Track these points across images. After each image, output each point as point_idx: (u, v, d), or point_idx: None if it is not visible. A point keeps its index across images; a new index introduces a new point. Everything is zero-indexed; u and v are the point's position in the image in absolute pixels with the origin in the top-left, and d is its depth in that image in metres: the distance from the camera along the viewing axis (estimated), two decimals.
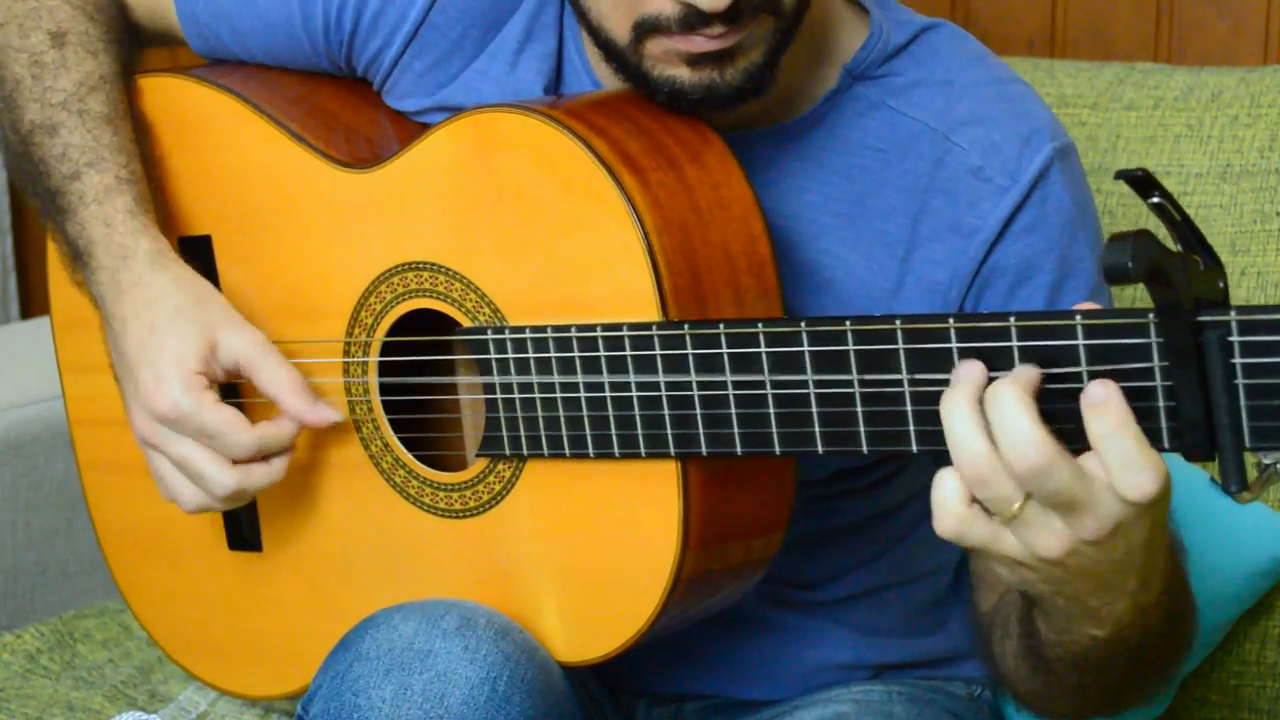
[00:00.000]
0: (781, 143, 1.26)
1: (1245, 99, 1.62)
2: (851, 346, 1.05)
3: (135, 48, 1.41)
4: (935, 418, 1.02)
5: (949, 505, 0.99)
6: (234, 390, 1.34)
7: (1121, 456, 0.95)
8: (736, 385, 1.10)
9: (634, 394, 1.14)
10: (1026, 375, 0.99)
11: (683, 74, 1.17)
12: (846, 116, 1.26)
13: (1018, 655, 1.18)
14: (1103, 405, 0.95)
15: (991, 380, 0.99)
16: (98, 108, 1.33)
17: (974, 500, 0.99)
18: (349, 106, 1.35)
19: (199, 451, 1.26)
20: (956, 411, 0.98)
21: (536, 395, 1.18)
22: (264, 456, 1.26)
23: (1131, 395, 0.97)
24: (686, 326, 1.11)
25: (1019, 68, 1.71)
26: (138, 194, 1.31)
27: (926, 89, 1.26)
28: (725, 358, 1.10)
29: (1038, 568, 1.01)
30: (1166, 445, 0.98)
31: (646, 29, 1.15)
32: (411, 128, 1.33)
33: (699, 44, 1.14)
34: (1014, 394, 0.96)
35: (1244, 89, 1.62)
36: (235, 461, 1.25)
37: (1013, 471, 0.96)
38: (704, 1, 1.11)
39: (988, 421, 0.97)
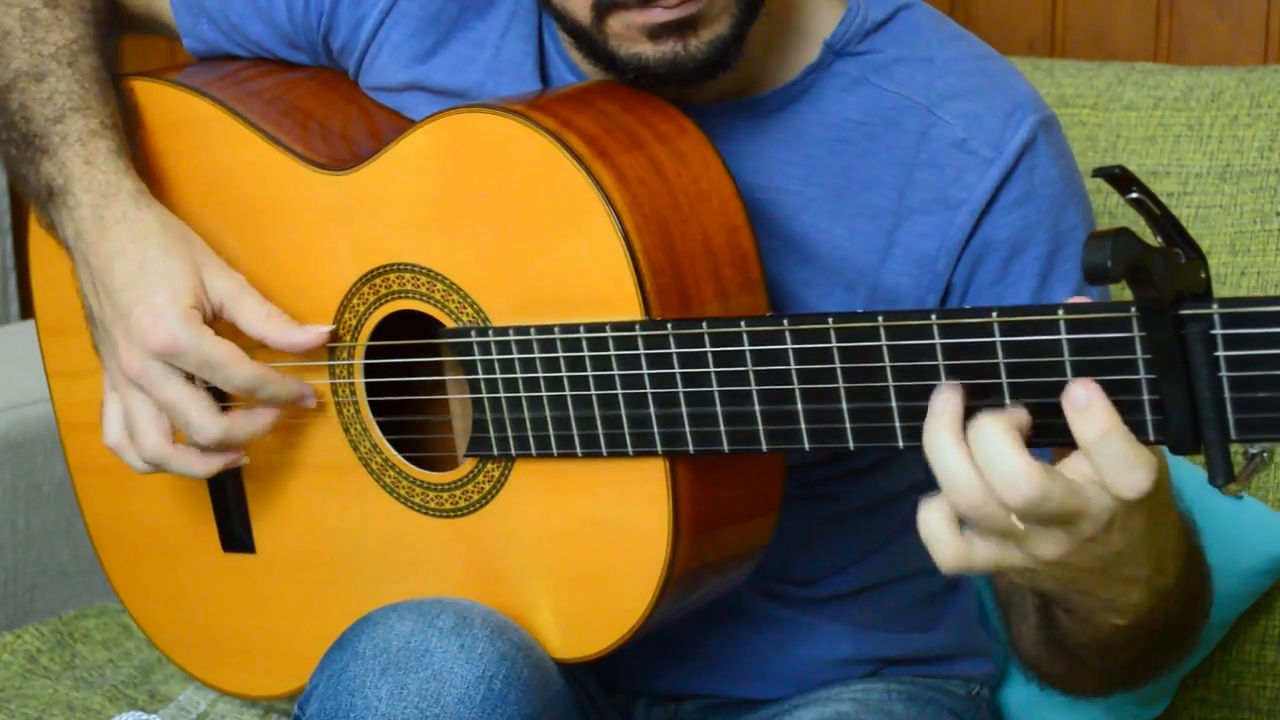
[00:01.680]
0: (763, 115, 1.27)
1: (1245, 99, 1.61)
2: (835, 344, 1.05)
3: (117, 32, 1.42)
4: (920, 413, 1.02)
5: (941, 539, 1.00)
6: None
7: (1114, 458, 0.95)
8: (721, 383, 1.10)
9: (619, 393, 1.14)
10: (1014, 413, 0.99)
11: (646, 49, 1.17)
12: (828, 92, 1.27)
13: (1039, 642, 1.18)
14: (1087, 408, 0.95)
15: (970, 409, 0.99)
16: (88, 65, 1.34)
17: (960, 524, 0.99)
18: (325, 105, 1.36)
19: (189, 395, 1.26)
20: (940, 445, 0.98)
21: (522, 395, 1.18)
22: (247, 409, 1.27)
23: (1115, 389, 0.97)
24: (670, 326, 1.11)
25: (1019, 68, 1.71)
26: (121, 142, 1.32)
27: (908, 65, 1.26)
28: (709, 356, 1.10)
29: (1042, 570, 1.01)
30: (1151, 438, 0.97)
31: (606, 6, 1.16)
32: (388, 126, 1.33)
33: (658, 15, 1.15)
34: (996, 427, 0.96)
35: (1244, 89, 1.62)
36: (224, 409, 1.26)
37: (1007, 505, 0.96)
38: None
39: (972, 454, 0.97)
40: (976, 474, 0.97)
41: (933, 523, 0.99)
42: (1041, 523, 0.97)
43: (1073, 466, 0.98)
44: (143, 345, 1.25)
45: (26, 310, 2.41)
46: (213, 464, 1.29)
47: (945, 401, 0.99)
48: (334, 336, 1.29)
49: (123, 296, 1.27)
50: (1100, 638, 1.11)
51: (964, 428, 0.99)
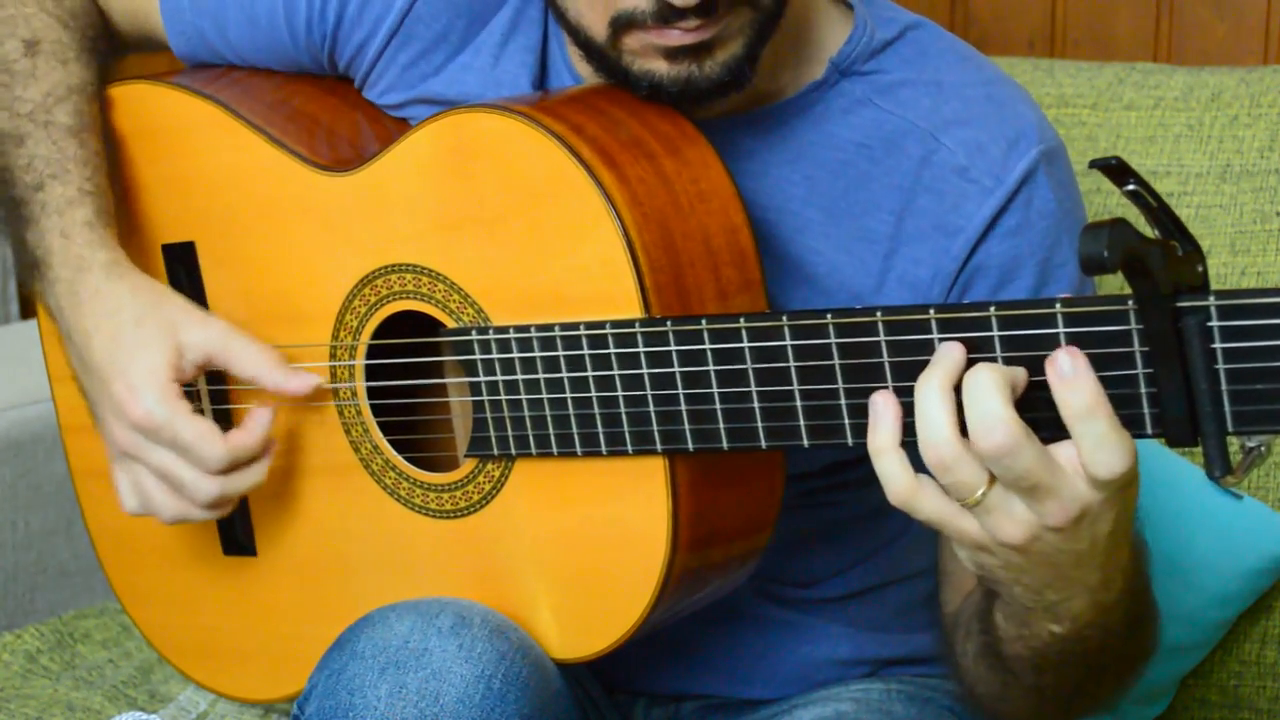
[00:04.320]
0: (765, 131, 1.26)
1: (1245, 99, 1.61)
2: (833, 339, 1.05)
3: (112, 54, 1.42)
4: None
5: (895, 475, 1.01)
6: (221, 385, 1.35)
7: (1096, 436, 0.96)
8: (720, 380, 1.10)
9: (619, 392, 1.14)
10: (1011, 369, 0.99)
11: (661, 68, 1.17)
12: (833, 112, 1.26)
13: (976, 654, 1.18)
14: (1073, 379, 0.95)
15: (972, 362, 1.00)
16: (64, 119, 1.33)
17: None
18: (329, 109, 1.36)
19: (178, 460, 1.26)
20: (930, 394, 0.99)
21: (522, 395, 1.18)
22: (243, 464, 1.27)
23: (1113, 382, 0.97)
24: (669, 323, 1.12)
25: (1019, 68, 1.71)
26: (99, 207, 1.32)
27: (914, 88, 1.26)
28: (708, 353, 1.10)
29: (998, 553, 1.02)
30: (1149, 431, 0.98)
31: (623, 24, 1.16)
32: (392, 128, 1.33)
33: (674, 37, 1.15)
34: (992, 376, 0.97)
35: (1244, 89, 1.62)
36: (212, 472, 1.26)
37: (979, 449, 0.97)
38: None
39: (961, 400, 0.97)
40: (955, 433, 0.98)
41: (890, 459, 1.01)
42: (1009, 485, 0.98)
43: (1057, 448, 0.98)
44: (122, 419, 1.27)
45: (26, 310, 2.41)
46: (232, 500, 1.28)
47: (947, 353, 1.00)
48: (332, 346, 1.29)
49: (103, 372, 1.28)
50: (1036, 646, 1.10)
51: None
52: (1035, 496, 0.98)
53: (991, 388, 0.96)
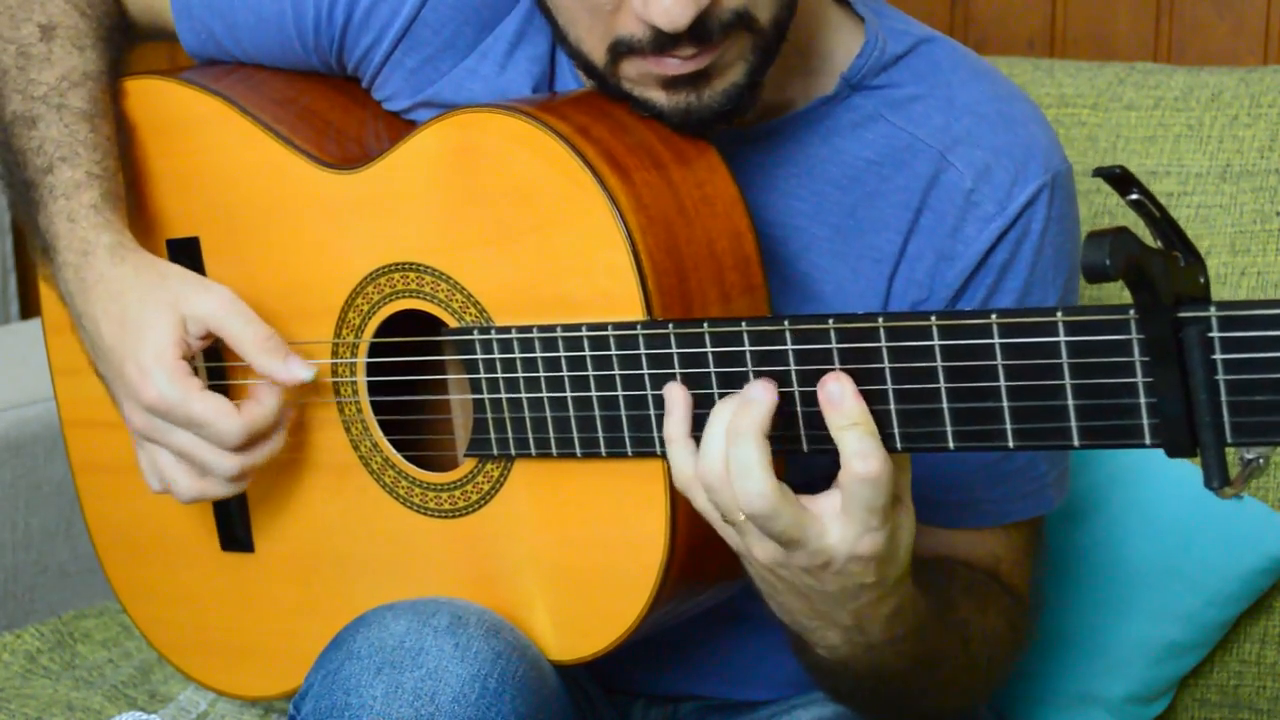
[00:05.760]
0: (773, 146, 1.26)
1: (1245, 99, 1.61)
2: (835, 345, 1.05)
3: (126, 45, 1.42)
4: (919, 416, 1.03)
5: (679, 465, 1.09)
6: (220, 364, 1.35)
7: (854, 445, 1.03)
8: (721, 384, 1.10)
9: (620, 394, 1.14)
10: (761, 407, 1.05)
11: (660, 98, 1.17)
12: (842, 126, 1.26)
13: None
14: (839, 402, 1.03)
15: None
16: (77, 104, 1.33)
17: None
18: (337, 107, 1.36)
19: (197, 440, 1.26)
20: (748, 440, 1.04)
21: (523, 395, 1.18)
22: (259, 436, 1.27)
23: (1112, 391, 0.97)
24: (671, 325, 1.12)
25: (1019, 68, 1.71)
26: (106, 190, 1.31)
27: (926, 103, 1.25)
28: (710, 356, 1.10)
29: (753, 565, 1.09)
30: (1148, 441, 0.98)
31: (621, 51, 1.15)
32: (400, 127, 1.33)
33: (672, 66, 1.14)
34: (753, 442, 1.04)
35: (1244, 89, 1.62)
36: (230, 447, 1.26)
37: (741, 508, 1.04)
38: (662, 22, 1.10)
39: (727, 456, 1.04)
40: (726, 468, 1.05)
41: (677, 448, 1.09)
42: (763, 532, 1.05)
43: (820, 502, 1.05)
44: (137, 401, 1.27)
45: (26, 310, 2.41)
46: (248, 474, 1.28)
47: (760, 397, 1.06)
48: (334, 343, 1.29)
49: (113, 356, 1.28)
50: (811, 660, 1.17)
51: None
52: (787, 546, 1.05)
53: (755, 456, 1.03)
